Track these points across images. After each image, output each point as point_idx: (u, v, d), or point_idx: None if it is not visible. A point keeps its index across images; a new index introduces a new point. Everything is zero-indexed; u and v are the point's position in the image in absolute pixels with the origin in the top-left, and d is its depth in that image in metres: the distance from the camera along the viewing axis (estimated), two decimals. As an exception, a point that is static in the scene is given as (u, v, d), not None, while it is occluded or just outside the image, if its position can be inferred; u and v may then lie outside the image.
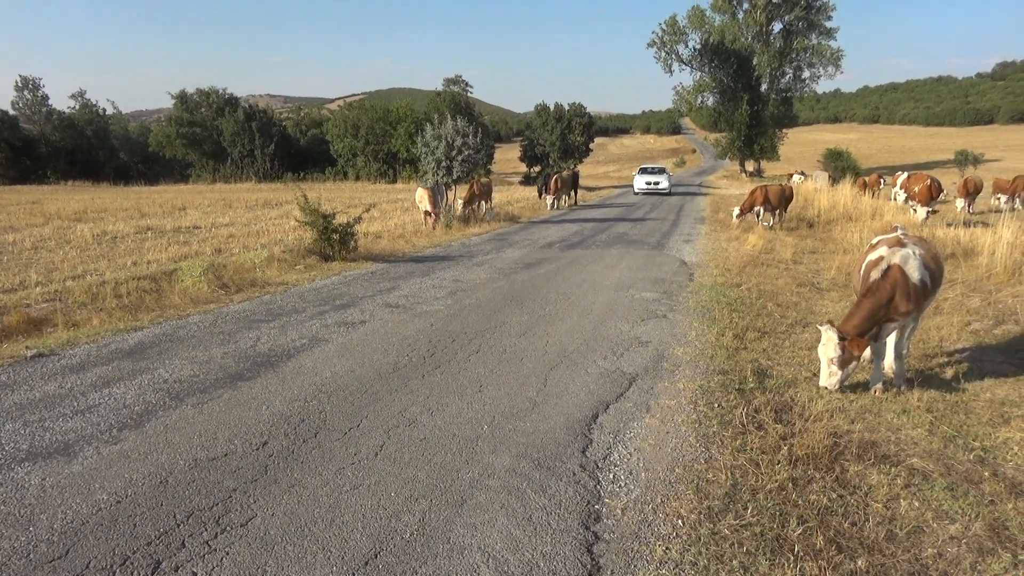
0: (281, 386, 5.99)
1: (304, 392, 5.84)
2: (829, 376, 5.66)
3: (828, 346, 5.56)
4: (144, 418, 5.23)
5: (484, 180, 24.03)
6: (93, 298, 9.29)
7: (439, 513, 3.86)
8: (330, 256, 13.21)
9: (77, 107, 75.99)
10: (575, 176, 33.23)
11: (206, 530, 3.67)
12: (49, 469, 4.36)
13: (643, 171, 41.87)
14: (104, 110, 79.10)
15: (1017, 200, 23.10)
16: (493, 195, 25.63)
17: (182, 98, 71.58)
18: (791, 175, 43.08)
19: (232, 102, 72.47)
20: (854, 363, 5.66)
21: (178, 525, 3.72)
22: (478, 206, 22.59)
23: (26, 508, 3.89)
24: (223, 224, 21.42)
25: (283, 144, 71.32)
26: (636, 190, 39.85)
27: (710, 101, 72.62)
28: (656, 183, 38.96)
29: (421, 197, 19.82)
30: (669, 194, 38.35)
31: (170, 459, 4.51)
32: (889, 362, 6.16)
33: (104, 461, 4.47)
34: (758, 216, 19.56)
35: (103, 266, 12.61)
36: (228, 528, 3.69)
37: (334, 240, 13.25)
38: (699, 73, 70.72)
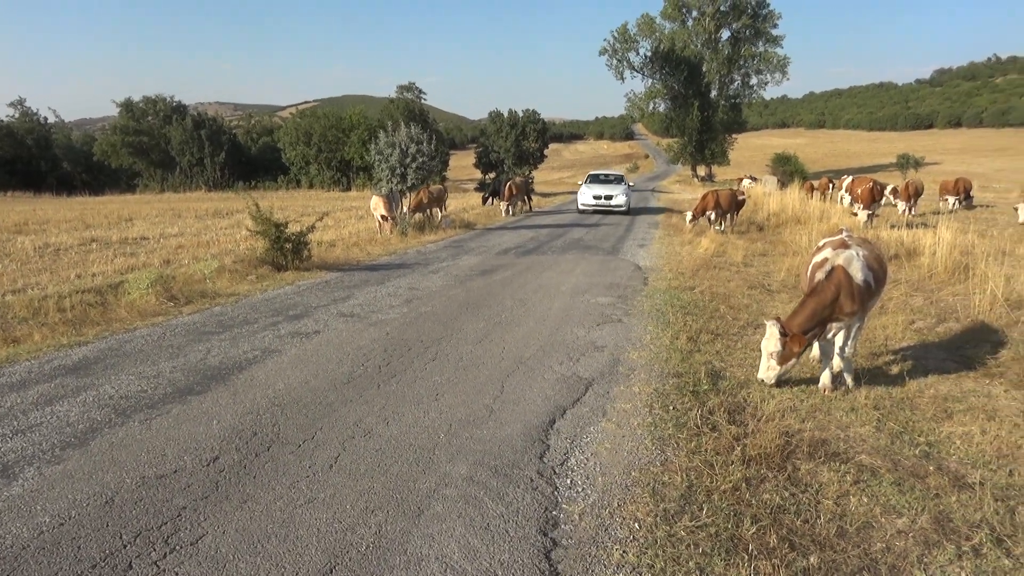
0: (232, 399, 5.87)
1: (256, 405, 5.73)
2: (767, 369, 5.83)
3: (770, 340, 5.71)
4: (89, 436, 5.06)
5: (435, 187, 23.58)
6: (35, 313, 8.98)
7: (395, 525, 3.81)
8: (283, 266, 12.99)
9: (16, 115, 73.43)
10: (527, 182, 33.34)
11: (154, 550, 3.57)
12: (-13, 492, 4.19)
13: (592, 179, 30.98)
14: (45, 118, 76.59)
15: (956, 201, 23.91)
16: (448, 202, 25.49)
17: (127, 106, 69.75)
18: (741, 179, 43.95)
19: (180, 110, 70.92)
20: (794, 360, 5.79)
21: (125, 546, 3.61)
22: (430, 214, 22.38)
23: (-38, 533, 3.73)
24: (172, 235, 20.93)
25: (234, 152, 69.98)
26: (580, 206, 28.69)
27: (661, 107, 73.90)
28: (608, 197, 27.88)
29: (376, 205, 19.68)
30: (627, 212, 28.11)
31: (116, 478, 4.37)
32: (838, 361, 6.31)
33: (46, 482, 4.31)
34: (710, 220, 19.88)
35: (45, 279, 12.19)
36: (177, 547, 3.59)
37: (287, 249, 13.04)
38: (650, 80, 71.98)
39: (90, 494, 4.16)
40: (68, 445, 4.89)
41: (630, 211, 28.69)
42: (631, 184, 31.42)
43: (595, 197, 28.06)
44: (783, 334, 5.62)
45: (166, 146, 68.06)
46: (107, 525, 3.81)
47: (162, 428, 5.23)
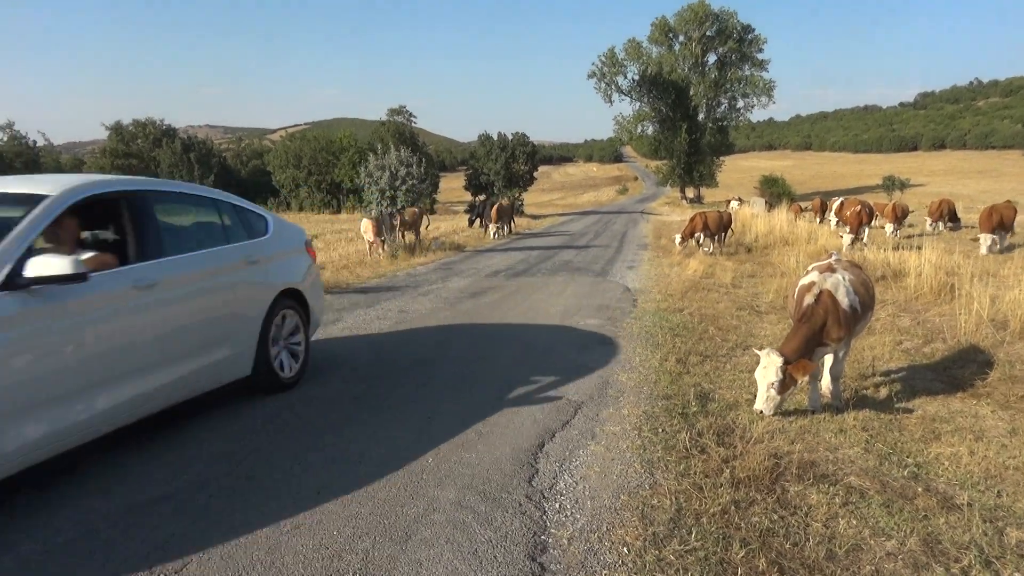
0: (222, 423, 5.81)
1: (244, 429, 5.68)
2: (767, 401, 5.63)
3: (769, 370, 5.55)
4: (75, 462, 4.99)
5: (410, 210, 23.08)
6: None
7: (383, 551, 3.77)
8: (272, 289, 12.91)
9: (5, 139, 73.60)
10: (513, 205, 33.59)
11: (138, 578, 3.52)
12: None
13: None
14: (35, 142, 76.81)
15: (941, 223, 24.15)
16: (427, 224, 24.84)
17: (117, 129, 70.04)
18: (729, 201, 44.29)
19: (170, 133, 71.27)
20: (793, 388, 5.75)
21: (109, 575, 3.55)
22: (400, 236, 21.52)
23: (-59, 563, 3.66)
24: (160, 257, 20.83)
25: (223, 175, 70.16)
26: None
27: (650, 130, 74.63)
28: None
29: (366, 227, 19.70)
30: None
31: (103, 504, 4.31)
32: (826, 383, 6.32)
33: (31, 509, 4.25)
34: (698, 242, 19.99)
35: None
36: (161, 575, 3.54)
37: (276, 272, 12.95)
38: (638, 103, 72.76)
39: (76, 522, 4.08)
40: (54, 471, 4.82)
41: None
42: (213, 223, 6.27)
43: None
44: (786, 362, 5.55)
45: (155, 169, 68.19)
46: (92, 553, 3.74)
47: (151, 452, 5.17)
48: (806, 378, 5.94)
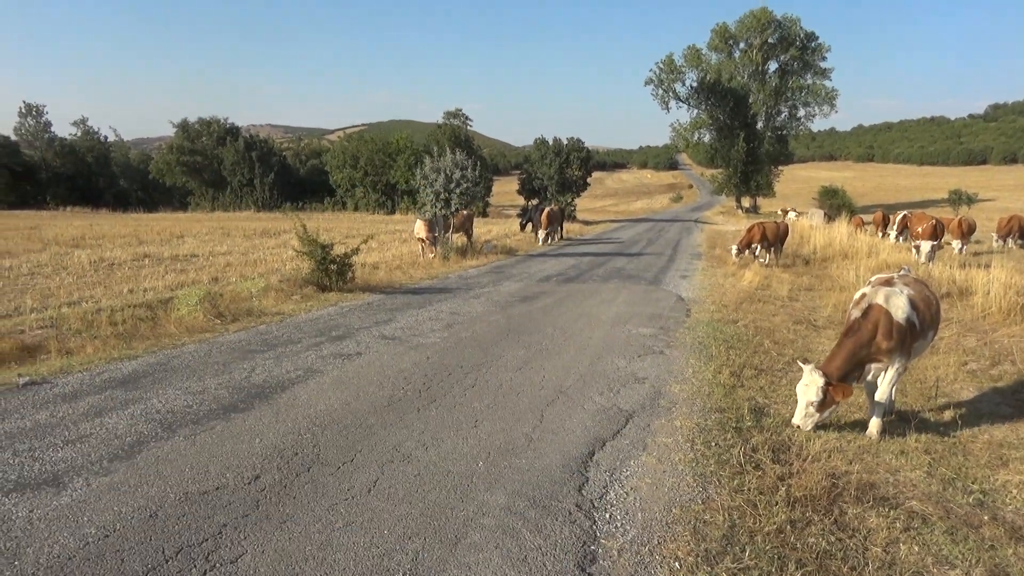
0: (275, 418, 5.94)
1: (298, 425, 5.79)
2: (805, 417, 5.60)
3: (811, 388, 5.50)
4: (135, 449, 5.16)
5: (463, 212, 23.02)
6: (88, 325, 9.24)
7: (432, 552, 3.80)
8: (327, 286, 13.18)
9: (79, 134, 76.55)
10: (563, 210, 33.69)
11: (195, 566, 3.61)
12: (37, 501, 4.29)
13: None
14: (106, 137, 79.80)
15: (1011, 240, 23.22)
16: (475, 227, 24.79)
17: (184, 127, 72.11)
18: (786, 212, 43.37)
19: (233, 131, 73.01)
20: (833, 407, 5.63)
21: (167, 560, 3.66)
22: (445, 238, 21.26)
23: (12, 541, 3.82)
24: (221, 253, 21.43)
25: (283, 174, 71.66)
26: None
27: (706, 138, 73.53)
28: None
29: (419, 229, 19.88)
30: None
31: (160, 492, 4.45)
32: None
33: (93, 493, 4.41)
34: (755, 253, 19.62)
35: (99, 293, 12.56)
36: (217, 565, 3.63)
37: (331, 270, 13.24)
38: (696, 110, 71.69)
39: (135, 507, 4.23)
40: (116, 457, 5.00)
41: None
42: None
43: None
44: (827, 383, 5.44)
45: (218, 166, 70.02)
46: (150, 539, 3.87)
47: (206, 444, 5.31)
48: (847, 399, 5.75)
